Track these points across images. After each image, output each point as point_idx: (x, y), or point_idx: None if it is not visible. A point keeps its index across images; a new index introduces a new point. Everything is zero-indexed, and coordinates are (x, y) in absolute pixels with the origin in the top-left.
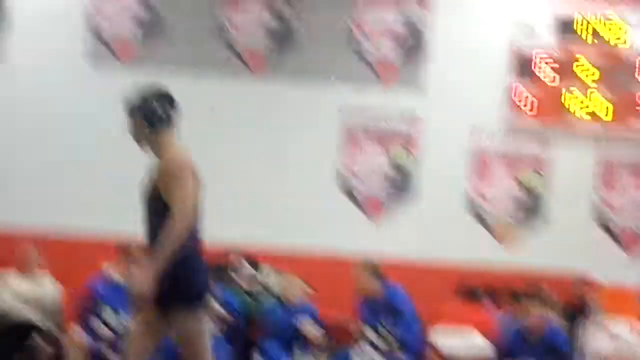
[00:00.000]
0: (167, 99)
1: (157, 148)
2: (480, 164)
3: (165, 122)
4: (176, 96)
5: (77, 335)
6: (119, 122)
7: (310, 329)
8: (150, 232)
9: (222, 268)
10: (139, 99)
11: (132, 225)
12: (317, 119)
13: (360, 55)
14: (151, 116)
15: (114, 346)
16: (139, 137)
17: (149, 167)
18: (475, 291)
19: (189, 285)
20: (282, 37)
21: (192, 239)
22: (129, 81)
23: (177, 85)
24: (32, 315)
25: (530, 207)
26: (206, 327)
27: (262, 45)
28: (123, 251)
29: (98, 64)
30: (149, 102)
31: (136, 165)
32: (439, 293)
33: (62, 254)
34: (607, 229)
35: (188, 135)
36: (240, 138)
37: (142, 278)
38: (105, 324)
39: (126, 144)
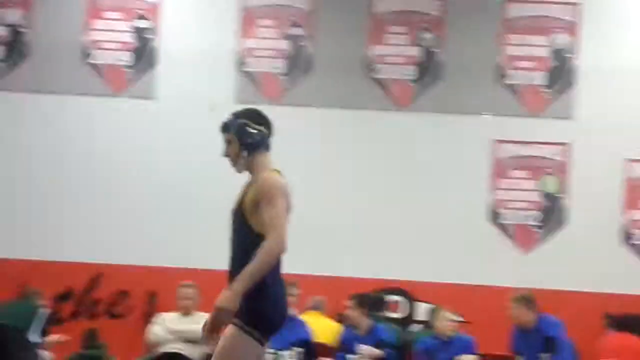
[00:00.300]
0: (262, 121)
1: (251, 169)
2: (634, 193)
3: (260, 145)
4: (324, 130)
5: None
6: None
7: None
8: (231, 257)
9: (376, 301)
10: (234, 121)
11: None
12: (465, 152)
13: (507, 85)
14: (247, 138)
15: None
16: (234, 159)
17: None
18: (629, 322)
19: (264, 313)
20: (429, 70)
21: (278, 265)
22: (276, 121)
23: (325, 119)
24: (196, 356)
25: None
26: None
27: (408, 78)
28: None
29: (245, 102)
30: (244, 124)
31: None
32: (591, 324)
33: None
34: None
35: (334, 168)
36: (389, 171)
37: (228, 294)
38: None
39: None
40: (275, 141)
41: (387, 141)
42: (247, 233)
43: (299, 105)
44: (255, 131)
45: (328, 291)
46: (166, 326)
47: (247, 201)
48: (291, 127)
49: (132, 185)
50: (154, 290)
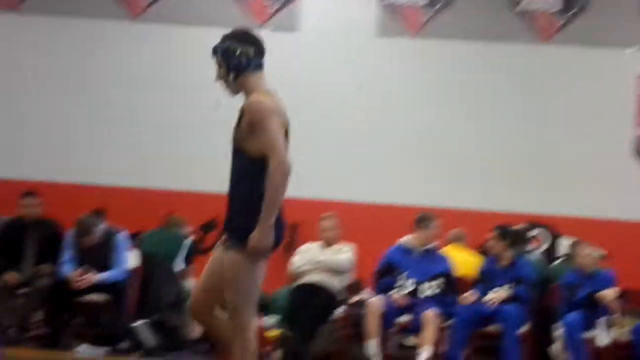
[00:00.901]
0: (250, 42)
1: (244, 91)
2: None
3: (247, 66)
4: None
5: (373, 301)
6: (406, 93)
7: (609, 295)
8: (230, 179)
9: (519, 235)
10: (221, 44)
11: None
12: (609, 86)
13: None
14: (232, 60)
15: (408, 309)
16: (224, 82)
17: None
18: None
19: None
20: (574, 3)
21: None
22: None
23: (466, 51)
24: (337, 286)
25: None
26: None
27: (553, 12)
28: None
29: (386, 34)
30: (228, 46)
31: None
32: None
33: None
34: None
35: (473, 101)
36: (530, 105)
37: (259, 231)
38: (399, 288)
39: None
40: (415, 74)
41: (529, 75)
42: (242, 157)
43: (440, 37)
44: (239, 52)
45: (472, 225)
46: (308, 257)
47: (242, 125)
48: (432, 60)
49: None
50: (295, 221)
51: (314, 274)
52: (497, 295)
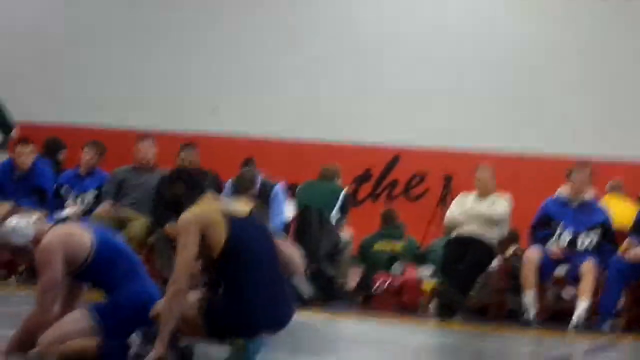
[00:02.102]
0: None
1: None
2: None
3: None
4: None
5: (530, 252)
6: None
7: None
8: None
9: None
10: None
11: None
12: None
13: None
14: None
15: (565, 261)
16: None
17: None
18: None
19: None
20: None
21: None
22: None
23: None
24: (493, 237)
25: None
26: None
27: None
28: None
29: None
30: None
31: None
32: None
33: None
34: None
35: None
36: None
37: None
38: (556, 240)
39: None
40: None
41: None
42: None
43: None
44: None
45: (630, 175)
46: (463, 208)
47: None
48: None
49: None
50: (450, 172)
51: (470, 225)
52: None
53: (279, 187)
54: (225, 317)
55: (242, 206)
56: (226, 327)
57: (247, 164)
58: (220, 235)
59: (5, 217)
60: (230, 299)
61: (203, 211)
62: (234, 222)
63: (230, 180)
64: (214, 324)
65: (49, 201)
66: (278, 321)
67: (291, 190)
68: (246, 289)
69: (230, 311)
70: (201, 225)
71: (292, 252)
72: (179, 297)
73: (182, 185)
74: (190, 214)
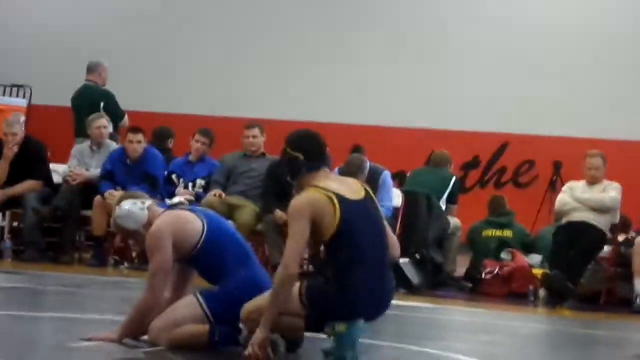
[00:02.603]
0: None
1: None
2: None
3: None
4: None
5: None
6: None
7: None
8: None
9: None
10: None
11: None
12: None
13: None
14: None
15: None
16: None
17: None
18: None
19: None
20: None
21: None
22: None
23: None
24: (603, 224)
25: None
26: None
27: None
28: None
29: None
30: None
31: None
32: None
33: None
34: None
35: None
36: None
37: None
38: None
39: None
40: None
41: None
42: None
43: None
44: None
45: None
46: (573, 194)
47: None
48: None
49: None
50: (559, 159)
51: (579, 212)
52: None
53: (387, 174)
54: (330, 298)
55: (356, 187)
56: (329, 309)
57: (355, 151)
58: (332, 219)
59: (118, 202)
60: (339, 281)
61: (314, 196)
62: (346, 205)
63: (338, 167)
64: (317, 307)
65: (159, 188)
66: (381, 306)
67: (399, 177)
68: (356, 271)
69: (337, 293)
70: (312, 210)
71: (392, 239)
72: (288, 283)
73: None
74: (301, 200)
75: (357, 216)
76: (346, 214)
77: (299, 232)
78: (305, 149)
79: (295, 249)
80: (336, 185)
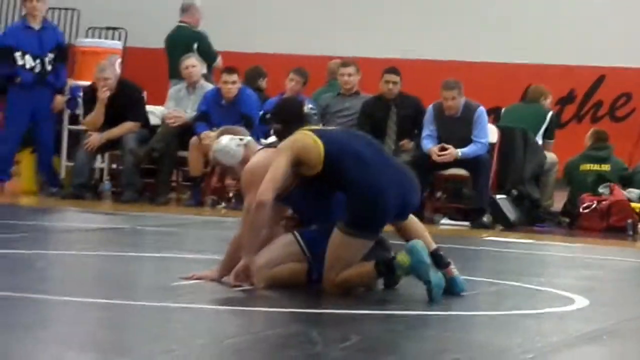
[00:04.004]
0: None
1: None
2: None
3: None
4: None
5: None
6: None
7: None
8: None
9: None
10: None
11: None
12: None
13: None
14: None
15: None
16: None
17: None
18: None
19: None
20: None
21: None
22: None
23: None
24: None
25: None
26: None
27: None
28: None
29: None
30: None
31: None
32: None
33: None
34: None
35: None
36: None
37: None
38: None
39: None
40: None
41: None
42: None
43: None
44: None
45: None
46: None
47: None
48: None
49: None
50: None
51: None
52: None
53: (482, 110)
54: (362, 211)
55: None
56: (361, 221)
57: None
58: (316, 148)
59: (218, 136)
60: (356, 191)
61: (295, 137)
62: (325, 132)
63: (431, 105)
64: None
65: (255, 128)
66: (407, 201)
67: (495, 113)
68: (366, 175)
69: (360, 200)
70: (294, 147)
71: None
72: (262, 208)
73: None
74: (285, 141)
75: (342, 136)
76: (326, 138)
77: (279, 166)
78: (283, 119)
79: (272, 178)
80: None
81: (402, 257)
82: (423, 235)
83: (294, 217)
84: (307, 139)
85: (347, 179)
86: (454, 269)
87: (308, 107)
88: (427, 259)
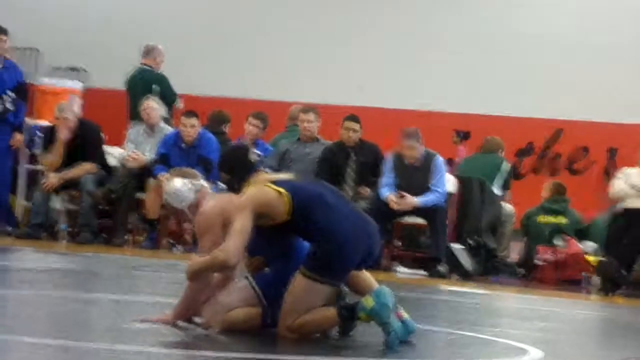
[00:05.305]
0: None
1: None
2: None
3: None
4: None
5: None
6: None
7: None
8: None
9: None
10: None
11: None
12: None
13: None
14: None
15: None
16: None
17: None
18: None
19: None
20: None
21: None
22: None
23: None
24: None
25: None
26: None
27: None
28: None
29: None
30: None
31: None
32: None
33: None
34: None
35: None
36: None
37: None
38: None
39: None
40: None
41: None
42: None
43: None
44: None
45: None
46: (628, 181)
47: None
48: None
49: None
50: (614, 145)
51: (634, 199)
52: None
53: (440, 159)
54: (329, 258)
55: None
56: (330, 267)
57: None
58: (280, 200)
59: (171, 178)
60: (322, 240)
61: (252, 191)
62: (287, 182)
63: (390, 153)
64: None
65: (214, 171)
66: (371, 250)
67: (451, 162)
68: (331, 225)
69: (324, 249)
70: (255, 203)
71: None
72: (227, 269)
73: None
74: (240, 198)
75: (306, 185)
76: (291, 188)
77: (244, 229)
78: (229, 169)
79: (242, 242)
80: (270, 176)
81: (367, 300)
82: (371, 281)
83: (258, 258)
84: (269, 193)
85: (316, 227)
86: (403, 312)
87: (254, 154)
88: (391, 304)
